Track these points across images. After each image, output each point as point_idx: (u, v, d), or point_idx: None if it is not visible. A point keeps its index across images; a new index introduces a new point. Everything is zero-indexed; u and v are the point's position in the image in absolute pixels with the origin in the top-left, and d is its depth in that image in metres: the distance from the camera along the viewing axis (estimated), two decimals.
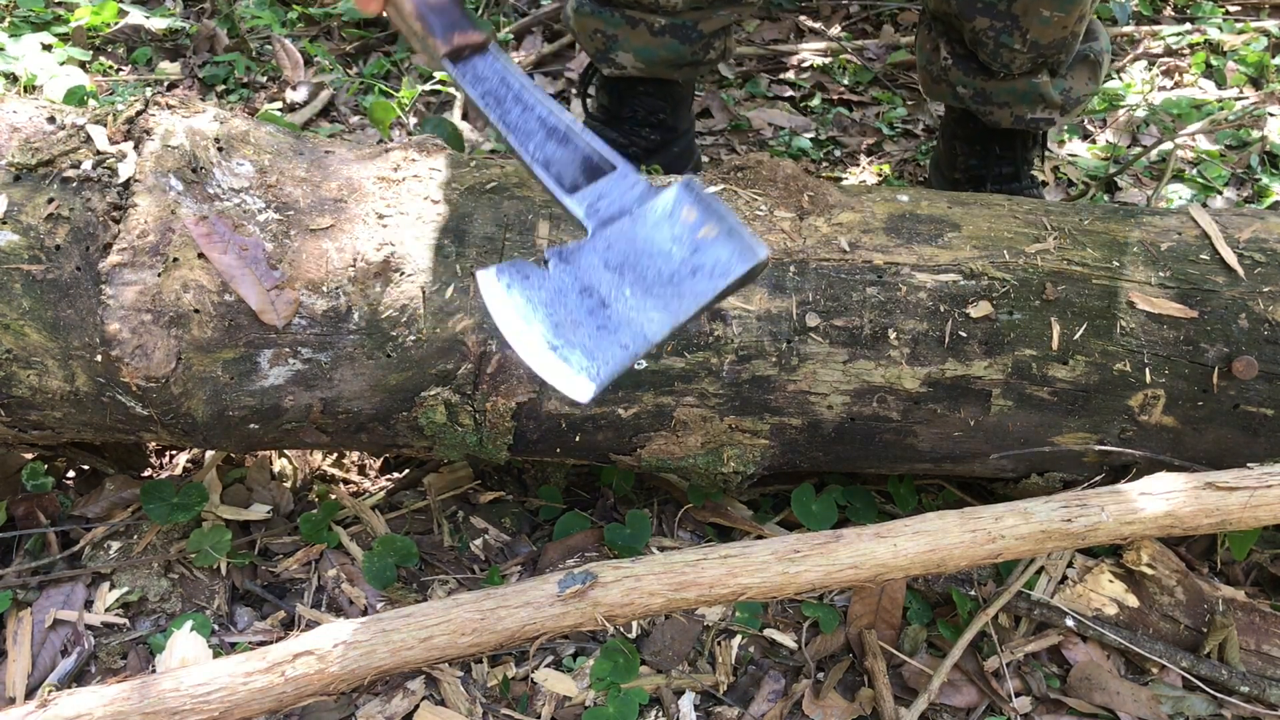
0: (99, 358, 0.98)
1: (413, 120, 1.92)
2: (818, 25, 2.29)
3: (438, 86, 1.98)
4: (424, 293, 1.01)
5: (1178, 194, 1.83)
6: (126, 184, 0.99)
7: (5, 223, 0.97)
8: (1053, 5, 1.37)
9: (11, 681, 1.07)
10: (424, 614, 0.70)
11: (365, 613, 1.19)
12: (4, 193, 0.99)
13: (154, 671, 1.06)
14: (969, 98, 1.54)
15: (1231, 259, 1.10)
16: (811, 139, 1.99)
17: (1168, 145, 1.89)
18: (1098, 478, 1.13)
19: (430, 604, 0.70)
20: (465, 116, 2.00)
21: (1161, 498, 0.77)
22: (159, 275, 0.97)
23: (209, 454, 1.33)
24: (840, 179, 1.88)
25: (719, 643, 1.17)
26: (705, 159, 1.91)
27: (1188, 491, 0.77)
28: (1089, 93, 1.55)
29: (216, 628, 1.15)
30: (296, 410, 1.03)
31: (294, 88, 2.02)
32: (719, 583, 0.74)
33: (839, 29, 2.29)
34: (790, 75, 2.17)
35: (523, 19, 2.25)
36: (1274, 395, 1.08)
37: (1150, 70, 2.15)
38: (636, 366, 1.03)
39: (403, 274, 1.02)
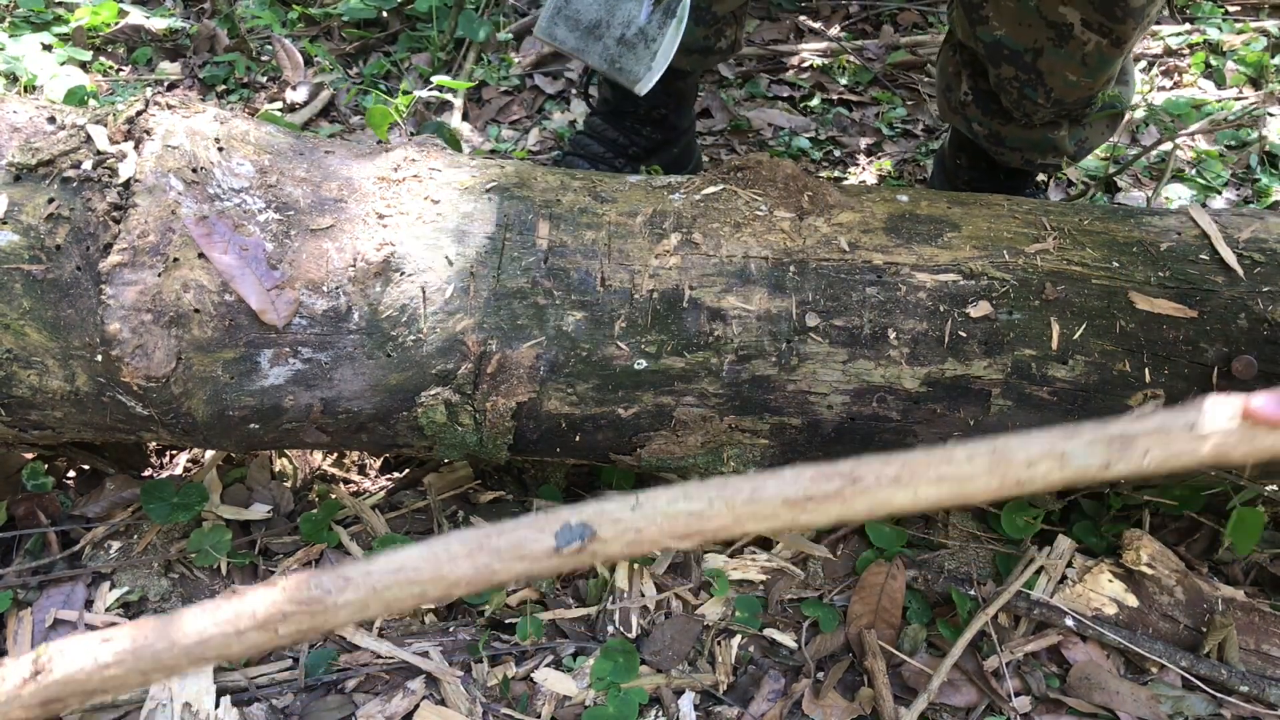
0: (99, 358, 0.98)
1: (411, 124, 1.92)
2: (818, 25, 2.29)
3: (434, 91, 1.98)
4: (424, 293, 1.02)
5: (1178, 194, 1.83)
6: (127, 184, 0.99)
7: (5, 223, 0.97)
8: (1079, 71, 1.33)
9: None
10: (416, 568, 0.69)
11: None
12: (4, 193, 0.99)
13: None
14: (983, 135, 1.52)
15: (1231, 259, 1.10)
16: (811, 139, 1.99)
17: (1167, 145, 1.89)
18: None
19: (421, 557, 0.68)
20: (465, 117, 2.00)
21: (1211, 439, 0.71)
22: (159, 275, 0.97)
23: (209, 454, 1.33)
24: (840, 179, 1.88)
25: (719, 642, 1.17)
26: (705, 159, 1.91)
27: (1238, 430, 0.71)
28: (1104, 142, 1.53)
29: None
30: (297, 410, 1.04)
31: (294, 88, 2.02)
32: (724, 529, 0.72)
33: (839, 29, 2.29)
34: (790, 75, 2.17)
35: (523, 19, 2.25)
36: None
37: (1150, 71, 2.15)
38: (636, 366, 1.03)
39: (403, 274, 1.02)
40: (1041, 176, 1.85)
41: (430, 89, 1.94)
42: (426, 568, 0.70)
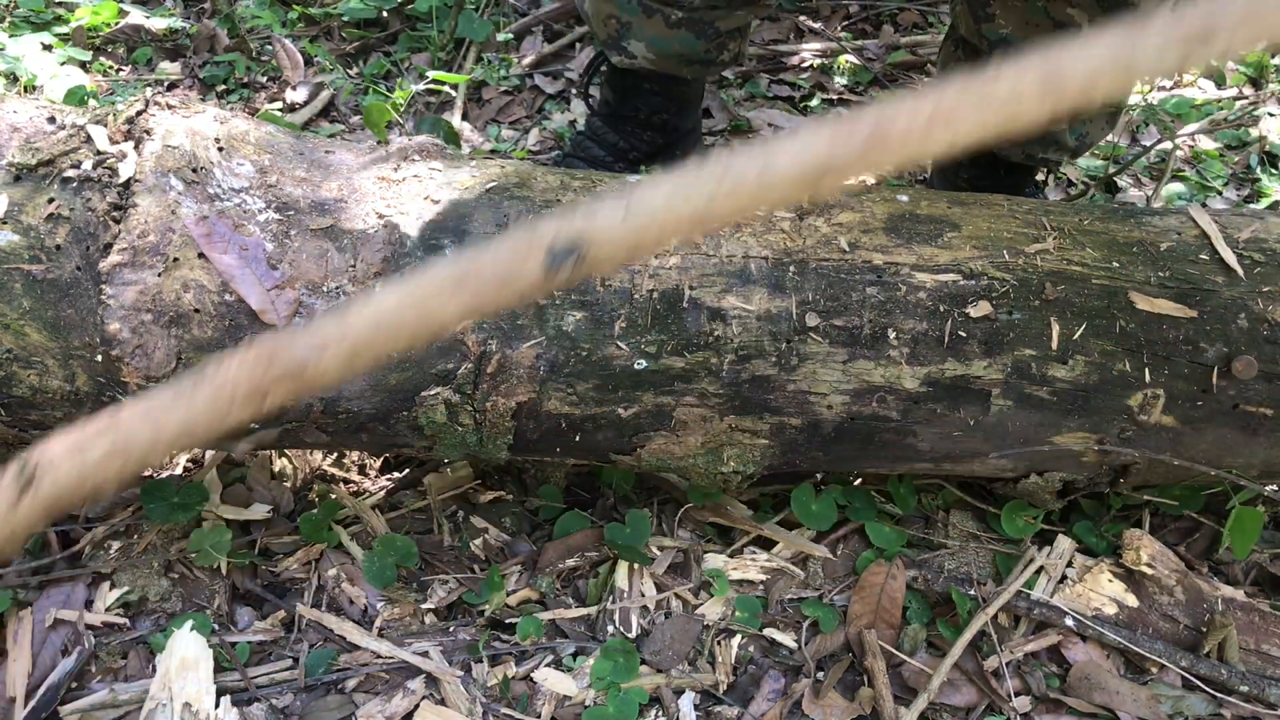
0: (99, 357, 0.98)
1: (410, 122, 1.92)
2: (818, 25, 2.29)
3: (433, 86, 1.98)
4: None
5: (1178, 194, 1.83)
6: (127, 184, 0.99)
7: (5, 223, 0.97)
8: None
9: (12, 681, 1.07)
10: (397, 317, 0.65)
11: (365, 613, 1.19)
12: (4, 193, 0.99)
13: (154, 672, 1.06)
14: None
15: (1231, 259, 1.10)
16: None
17: (1167, 145, 1.89)
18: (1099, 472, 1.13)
19: (401, 303, 0.63)
20: (465, 117, 2.00)
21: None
22: (159, 275, 0.97)
23: (209, 454, 1.33)
24: None
25: (719, 642, 1.17)
26: None
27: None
28: (1103, 138, 1.52)
29: (217, 627, 1.15)
30: (297, 410, 1.04)
31: (294, 88, 2.02)
32: (730, 218, 0.66)
33: (839, 29, 2.29)
34: (790, 75, 2.17)
35: (523, 19, 2.25)
36: (1274, 395, 1.08)
37: None
38: (636, 366, 1.03)
39: (403, 274, 1.02)
40: (1040, 176, 1.85)
41: (426, 83, 1.94)
42: (409, 314, 0.64)
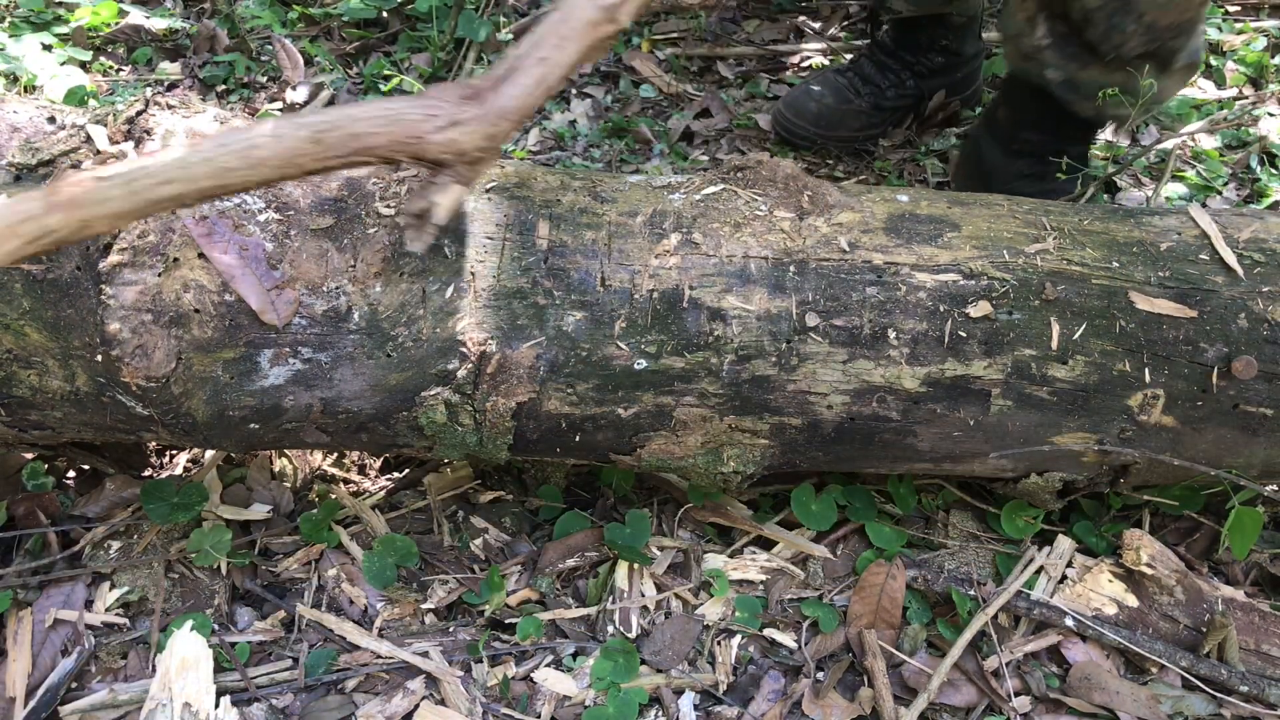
0: (99, 357, 0.98)
1: None
2: (818, 25, 2.29)
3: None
4: (424, 293, 1.02)
5: (1178, 194, 1.83)
6: None
7: None
8: None
9: (11, 681, 1.07)
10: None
11: (365, 613, 1.19)
12: (4, 193, 0.99)
13: (154, 672, 1.06)
14: (1056, 82, 1.47)
15: (1231, 259, 1.10)
16: None
17: (1167, 145, 1.89)
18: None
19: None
20: None
21: None
22: (159, 275, 0.97)
23: (209, 454, 1.33)
24: (840, 179, 1.88)
25: (719, 642, 1.17)
26: (704, 158, 1.91)
27: None
28: (1177, 93, 1.48)
29: (217, 627, 1.15)
30: (297, 410, 1.04)
31: (294, 88, 2.02)
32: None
33: (839, 29, 2.30)
34: (790, 75, 2.17)
35: (522, 19, 2.25)
36: (1274, 395, 1.08)
37: None
38: (636, 366, 1.03)
39: (403, 274, 1.02)
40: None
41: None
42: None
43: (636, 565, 1.22)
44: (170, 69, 2.08)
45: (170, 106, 1.06)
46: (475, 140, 0.87)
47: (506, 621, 1.18)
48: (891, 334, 1.05)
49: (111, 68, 2.06)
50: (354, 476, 1.37)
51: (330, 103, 2.01)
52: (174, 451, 1.36)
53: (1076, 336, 1.07)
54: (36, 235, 0.81)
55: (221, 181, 0.83)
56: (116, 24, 2.12)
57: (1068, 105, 1.51)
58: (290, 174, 0.85)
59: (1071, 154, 1.59)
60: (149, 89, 2.01)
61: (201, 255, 0.98)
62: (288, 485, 1.32)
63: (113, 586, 1.18)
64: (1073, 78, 1.46)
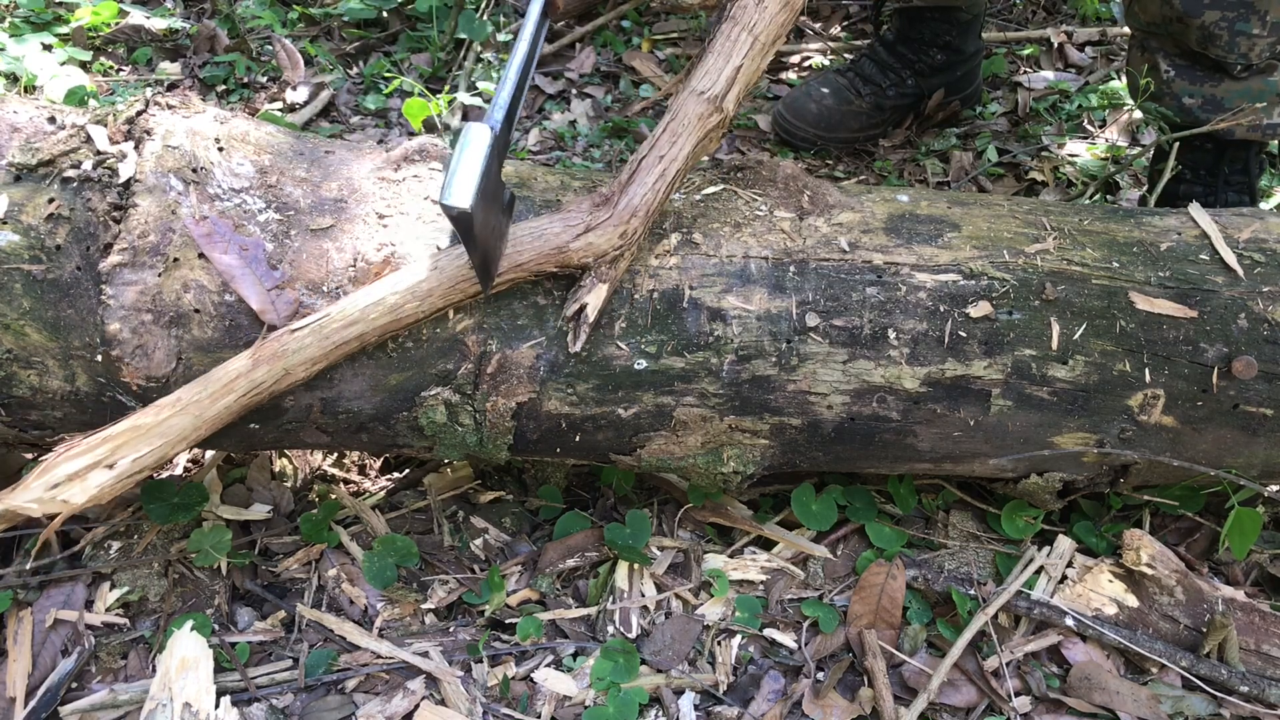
0: (99, 358, 0.98)
1: (457, 119, 1.90)
2: (818, 25, 2.29)
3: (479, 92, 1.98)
4: None
5: None
6: (127, 184, 0.99)
7: (6, 223, 0.97)
8: None
9: (12, 681, 1.07)
10: None
11: (365, 613, 1.19)
12: (4, 193, 0.99)
13: (154, 672, 1.06)
14: (1197, 108, 1.47)
15: (1231, 259, 1.10)
16: None
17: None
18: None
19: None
20: (465, 117, 2.00)
21: None
22: (159, 275, 0.97)
23: (209, 454, 1.33)
24: (840, 179, 1.88)
25: (719, 642, 1.17)
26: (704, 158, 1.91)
27: None
28: None
29: (217, 627, 1.15)
30: (297, 410, 1.04)
31: (294, 88, 2.02)
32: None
33: (839, 29, 2.30)
34: (790, 75, 2.17)
35: (522, 19, 2.25)
36: (1274, 395, 1.08)
37: None
38: (636, 366, 1.03)
39: (401, 272, 1.01)
40: (1042, 176, 1.85)
41: (474, 94, 1.94)
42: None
43: (636, 565, 1.22)
44: (170, 69, 2.08)
45: (170, 106, 1.06)
46: (611, 240, 0.97)
47: (506, 621, 1.18)
48: (891, 334, 1.05)
49: (111, 68, 2.06)
50: (354, 476, 1.37)
51: (330, 103, 2.01)
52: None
53: (1077, 336, 1.07)
54: (248, 389, 0.94)
55: (396, 318, 0.96)
56: (116, 24, 2.12)
57: (1219, 134, 1.48)
58: (454, 300, 0.97)
59: (1243, 181, 1.58)
60: (149, 89, 2.01)
61: (201, 255, 0.98)
62: (288, 485, 1.32)
63: (113, 586, 1.18)
64: (1211, 96, 1.46)
